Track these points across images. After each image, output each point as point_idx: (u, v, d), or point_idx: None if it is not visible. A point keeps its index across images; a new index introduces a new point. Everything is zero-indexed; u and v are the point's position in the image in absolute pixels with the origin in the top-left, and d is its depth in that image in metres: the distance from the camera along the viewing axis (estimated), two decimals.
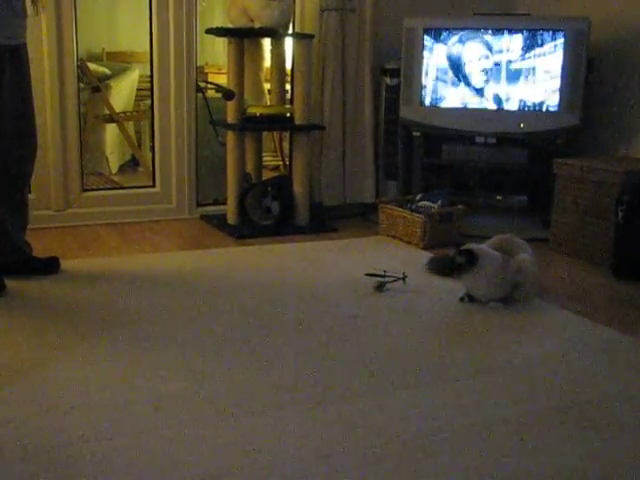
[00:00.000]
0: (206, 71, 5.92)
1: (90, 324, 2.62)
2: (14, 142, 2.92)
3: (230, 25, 4.10)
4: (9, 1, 2.77)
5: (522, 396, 2.17)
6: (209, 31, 4.05)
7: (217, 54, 6.18)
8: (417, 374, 2.29)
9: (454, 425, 1.98)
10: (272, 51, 4.25)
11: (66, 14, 3.85)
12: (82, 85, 4.69)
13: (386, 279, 3.11)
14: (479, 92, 4.06)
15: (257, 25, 3.95)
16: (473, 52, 4.03)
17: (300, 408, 2.05)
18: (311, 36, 4.06)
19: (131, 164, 5.83)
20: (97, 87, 5.26)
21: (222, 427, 1.93)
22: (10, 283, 2.93)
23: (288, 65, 4.32)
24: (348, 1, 4.19)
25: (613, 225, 3.40)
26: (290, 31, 4.16)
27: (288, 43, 4.24)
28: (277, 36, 4.11)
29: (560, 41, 3.89)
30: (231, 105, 3.99)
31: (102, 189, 4.73)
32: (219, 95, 4.07)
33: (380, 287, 3.08)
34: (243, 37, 4.01)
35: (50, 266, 3.15)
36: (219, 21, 5.72)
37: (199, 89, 4.24)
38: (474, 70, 4.05)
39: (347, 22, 4.22)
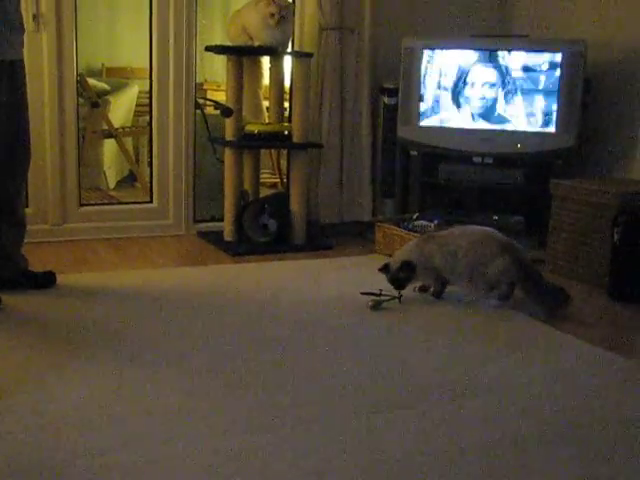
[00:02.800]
0: (205, 88, 5.95)
1: (85, 340, 2.61)
2: (7, 155, 2.92)
3: (229, 43, 4.12)
4: (6, 16, 2.78)
5: (515, 417, 2.16)
6: (209, 48, 4.07)
7: (216, 71, 6.20)
8: (411, 394, 2.28)
9: (446, 446, 1.97)
10: (271, 69, 4.27)
11: (66, 29, 3.87)
12: (81, 100, 4.70)
13: (382, 298, 3.12)
14: (476, 112, 4.08)
15: (256, 43, 3.97)
16: (471, 73, 4.06)
17: (294, 426, 2.04)
18: (310, 55, 4.08)
19: (129, 179, 5.83)
20: (96, 102, 5.28)
21: (215, 444, 1.92)
22: (6, 297, 2.92)
23: (287, 83, 4.34)
24: (347, 21, 4.22)
25: (609, 246, 3.41)
26: (289, 50, 4.18)
27: (287, 61, 4.26)
28: (276, 54, 4.12)
29: (557, 62, 3.91)
30: (229, 122, 4.00)
31: (99, 204, 4.74)
32: (217, 112, 4.09)
33: (376, 306, 3.08)
34: (242, 55, 4.03)
35: (46, 280, 3.15)
36: (219, 38, 5.74)
37: (198, 106, 4.26)
38: (471, 90, 4.08)
39: (346, 41, 4.24)
